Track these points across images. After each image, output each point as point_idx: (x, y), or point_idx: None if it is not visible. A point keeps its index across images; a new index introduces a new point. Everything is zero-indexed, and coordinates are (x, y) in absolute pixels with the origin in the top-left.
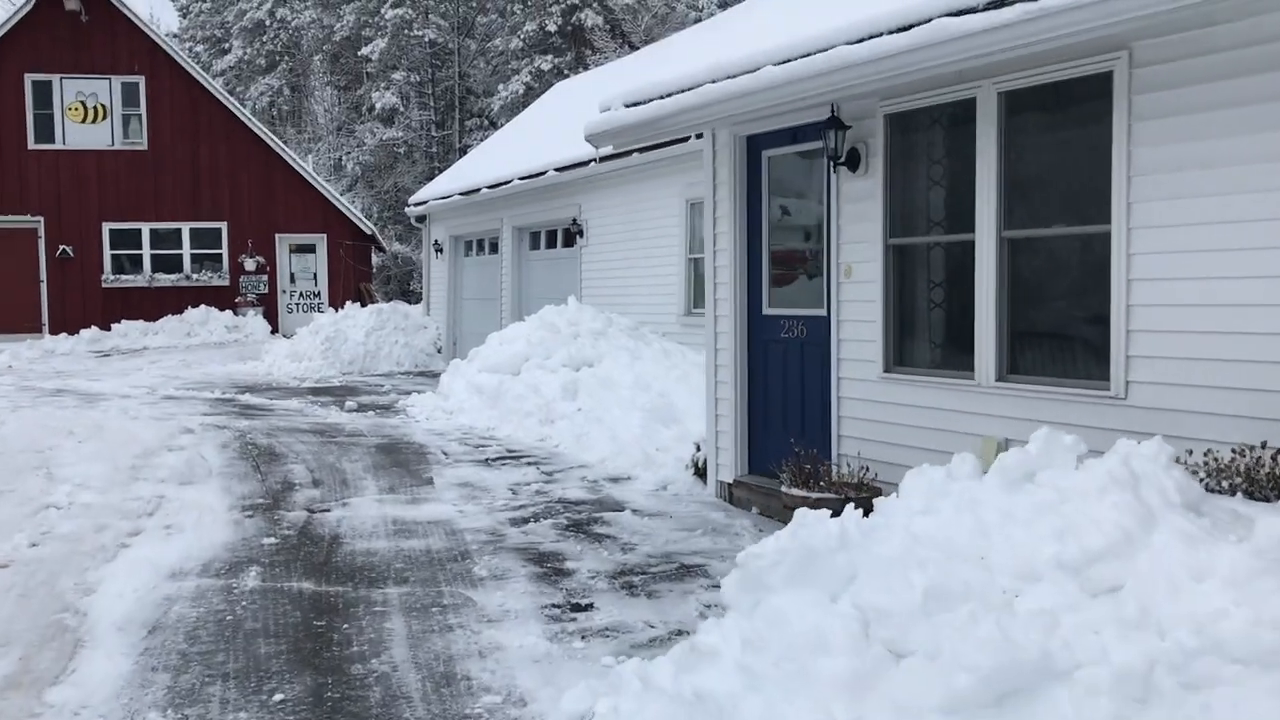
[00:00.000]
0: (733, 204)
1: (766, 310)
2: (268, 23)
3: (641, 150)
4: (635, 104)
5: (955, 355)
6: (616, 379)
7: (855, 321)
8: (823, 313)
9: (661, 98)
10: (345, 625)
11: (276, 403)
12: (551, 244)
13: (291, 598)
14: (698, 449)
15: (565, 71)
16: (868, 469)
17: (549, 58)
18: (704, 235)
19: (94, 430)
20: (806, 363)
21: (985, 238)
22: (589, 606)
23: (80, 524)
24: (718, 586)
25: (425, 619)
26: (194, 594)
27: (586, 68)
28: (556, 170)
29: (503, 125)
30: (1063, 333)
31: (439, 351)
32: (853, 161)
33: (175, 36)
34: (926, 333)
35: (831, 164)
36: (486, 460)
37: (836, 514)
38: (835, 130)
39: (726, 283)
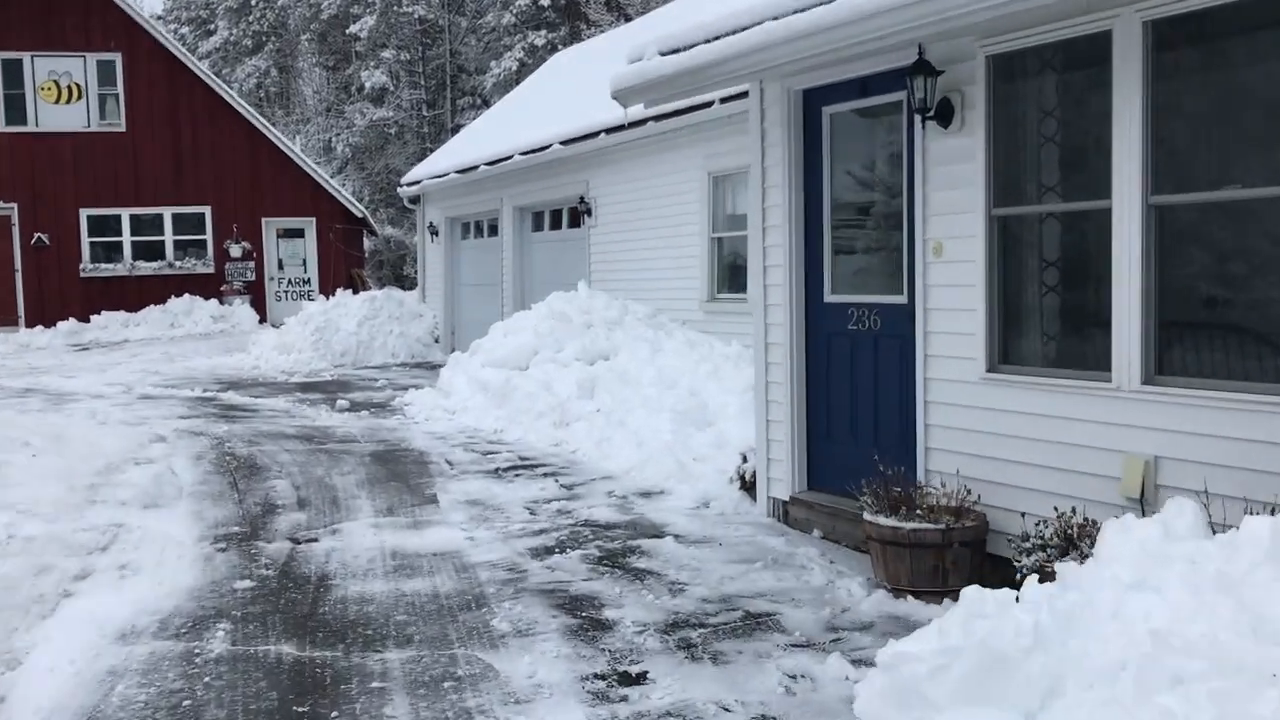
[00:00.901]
0: (786, 171)
1: (829, 297)
2: (253, 2)
3: (657, 118)
4: (674, 51)
5: (1083, 351)
6: (637, 375)
7: (948, 310)
8: (902, 299)
9: (707, 41)
10: (334, 715)
11: (262, 402)
12: (556, 225)
13: (267, 669)
14: (744, 459)
15: (559, 46)
16: (969, 491)
17: (543, 33)
18: (736, 209)
19: (54, 440)
20: (881, 359)
21: (1126, 205)
22: (642, 677)
23: (17, 565)
24: (799, 645)
25: (436, 700)
26: (145, 665)
27: (582, 42)
28: (562, 144)
29: (495, 104)
30: (1239, 323)
31: (436, 341)
32: (944, 115)
33: (160, 19)
34: (1042, 323)
35: (919, 119)
36: (497, 471)
37: (939, 549)
38: (924, 77)
39: (779, 265)
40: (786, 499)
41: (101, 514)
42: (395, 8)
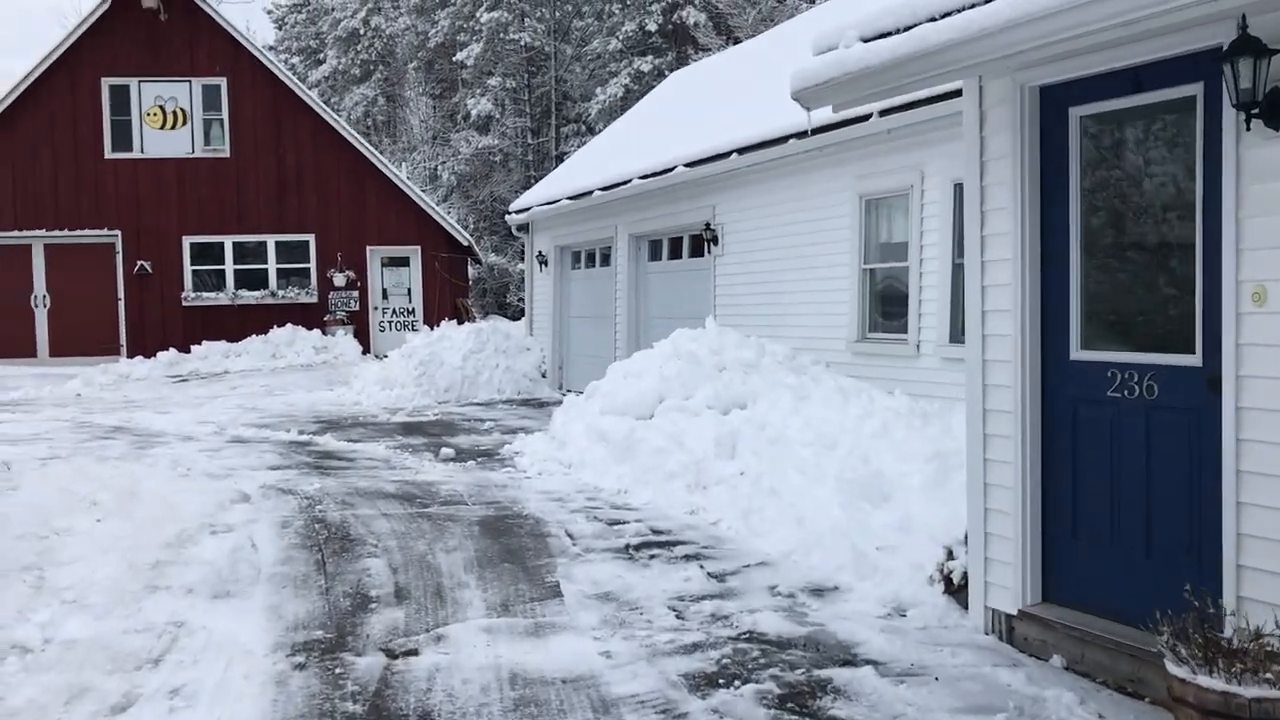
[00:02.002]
0: (1017, 191)
1: (1078, 354)
2: (362, 31)
3: (800, 135)
4: (881, 35)
5: None
6: (782, 428)
7: (1275, 379)
8: (1194, 360)
9: (932, 19)
10: None
11: (360, 448)
12: (676, 254)
13: None
14: (949, 555)
15: (665, 72)
16: None
17: (649, 58)
18: (891, 236)
19: (126, 498)
20: (1158, 439)
21: None
22: None
23: (46, 687)
24: None
25: None
26: None
27: (690, 65)
28: (686, 166)
29: (600, 130)
30: None
31: (543, 376)
32: (1273, 112)
33: (271, 48)
34: None
35: (1237, 118)
36: (627, 549)
37: None
38: (1250, 59)
39: (1005, 311)
40: (1013, 612)
41: (161, 606)
42: (501, 35)
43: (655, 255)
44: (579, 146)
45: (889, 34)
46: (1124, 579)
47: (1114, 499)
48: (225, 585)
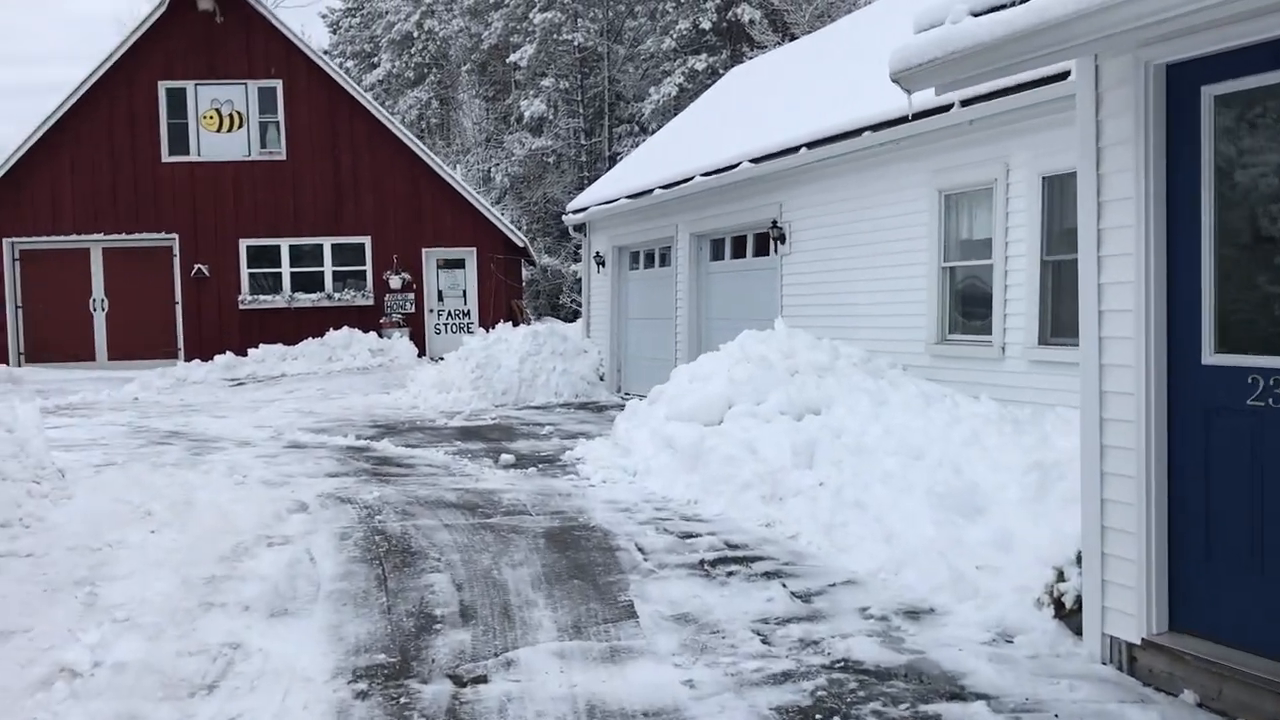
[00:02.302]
0: (1140, 179)
1: (1211, 358)
2: (415, 34)
3: (874, 128)
4: (995, 8)
5: None
6: (860, 434)
7: None
8: None
9: None
10: None
11: (418, 453)
12: (739, 253)
13: None
14: (1059, 576)
15: (720, 71)
16: None
17: (703, 57)
18: (973, 233)
19: (181, 508)
20: None
21: None
22: None
23: (95, 714)
24: None
25: None
26: None
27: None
28: (752, 162)
29: (654, 131)
30: None
31: (601, 379)
32: None
33: (326, 53)
34: None
35: None
36: (702, 564)
37: None
38: None
39: (1125, 311)
40: (1135, 641)
41: (217, 625)
42: (554, 36)
43: (718, 255)
44: (632, 147)
45: (1002, 7)
46: (1269, 607)
47: (1257, 518)
48: (283, 603)
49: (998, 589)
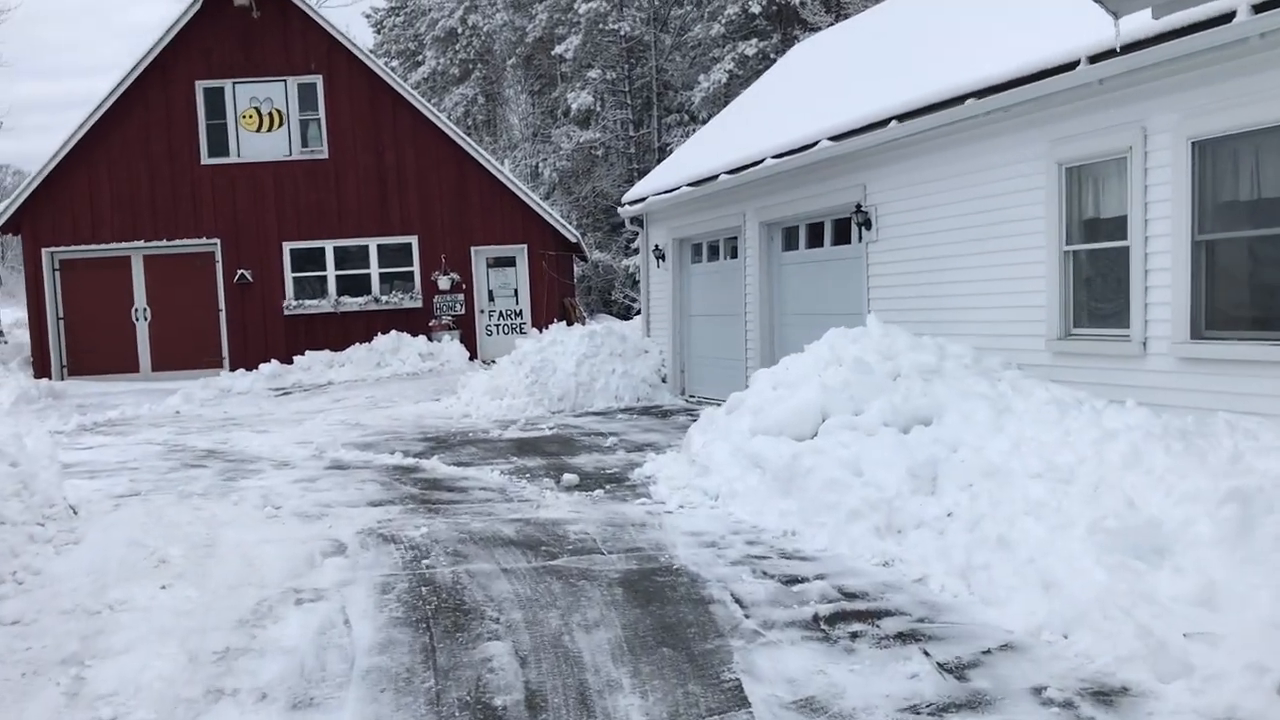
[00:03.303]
0: None
1: None
2: (460, 30)
3: (979, 94)
4: None
5: None
6: (985, 452)
7: None
8: None
9: None
10: None
11: (471, 473)
12: (816, 242)
13: None
14: None
15: (772, 56)
16: None
17: (753, 42)
18: (1101, 211)
19: (199, 553)
20: None
21: None
22: None
23: None
24: None
25: None
26: None
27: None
28: (831, 140)
29: (705, 120)
30: None
31: (663, 381)
32: None
33: (372, 52)
34: None
35: None
36: (817, 620)
37: None
38: None
39: None
40: None
41: None
42: (600, 26)
43: (791, 244)
44: (683, 137)
45: None
46: None
47: None
48: (309, 688)
49: (1220, 665)
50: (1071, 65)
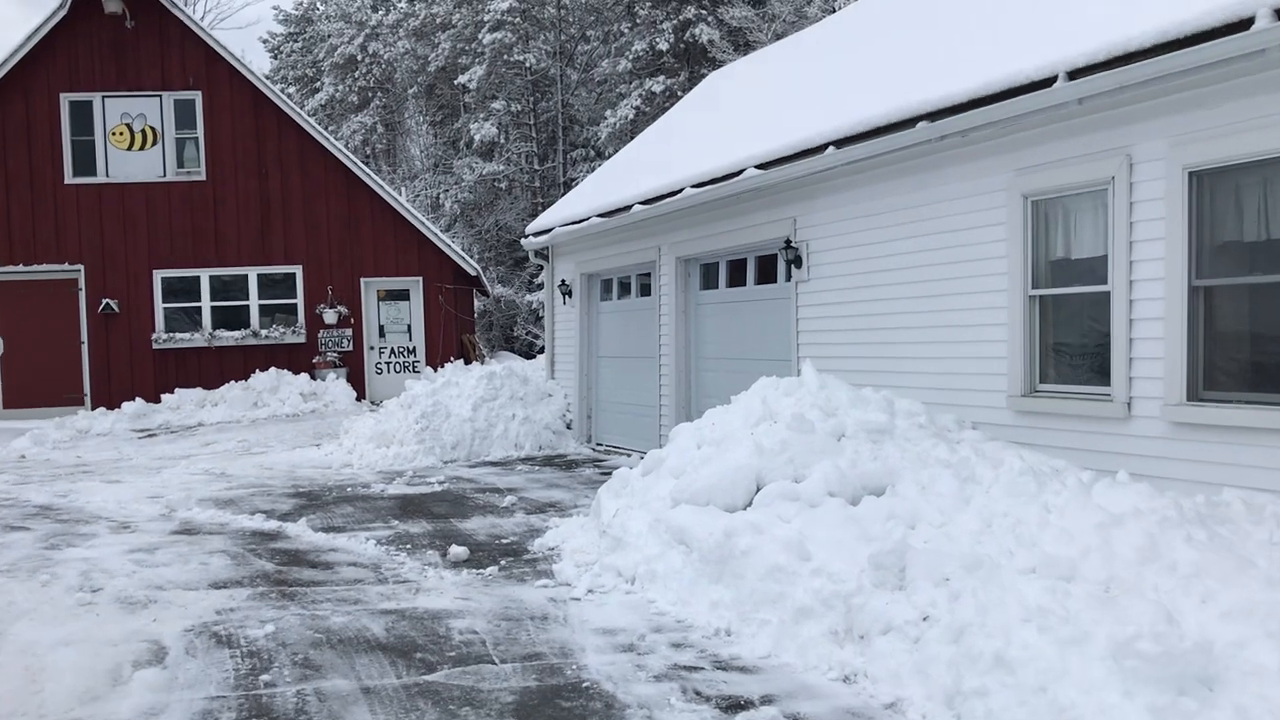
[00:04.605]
0: None
1: None
2: (360, 57)
3: (932, 116)
4: None
5: None
6: (961, 537)
7: None
8: None
9: None
10: None
11: (342, 542)
12: (739, 280)
13: None
14: None
15: (679, 93)
16: None
17: (660, 79)
18: (1073, 250)
19: None
20: None
21: None
22: None
23: None
24: None
25: None
26: None
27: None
28: (758, 168)
29: (610, 155)
30: None
31: (568, 428)
32: None
33: (268, 78)
34: None
35: None
36: None
37: None
38: None
39: None
40: None
41: None
42: (505, 57)
43: (710, 283)
44: (588, 172)
45: None
46: None
47: None
48: None
49: None
50: (1046, 82)
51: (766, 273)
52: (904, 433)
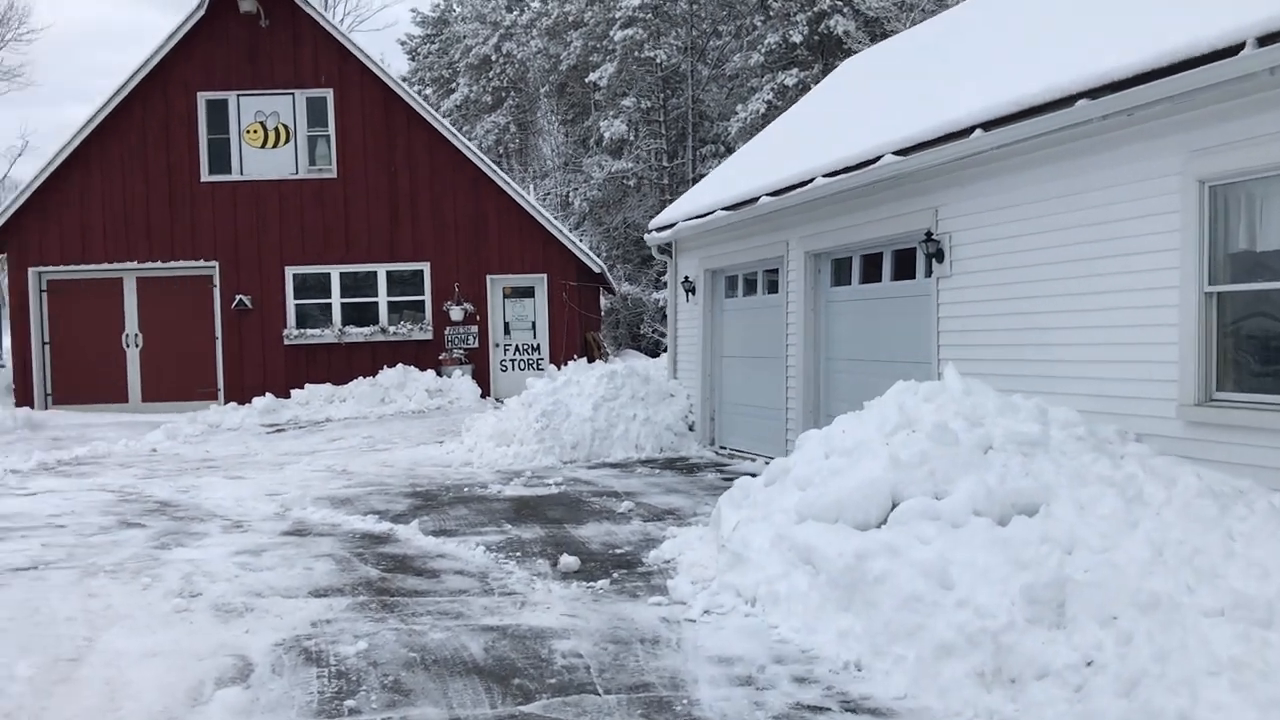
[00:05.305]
0: None
1: None
2: (493, 57)
3: (1093, 93)
4: None
5: None
6: (1127, 566)
7: None
8: None
9: None
10: None
11: (451, 548)
12: (873, 276)
13: None
14: None
15: (811, 85)
16: None
17: (793, 72)
18: (1260, 242)
19: (56, 673)
20: None
21: None
22: None
23: None
24: None
25: None
26: None
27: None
28: (896, 154)
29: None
30: None
31: (690, 429)
32: None
33: (405, 79)
34: None
35: None
36: None
37: None
38: None
39: None
40: None
41: None
42: (635, 54)
43: (842, 278)
44: (718, 167)
45: None
46: None
47: None
48: None
49: None
50: (1231, 50)
51: (904, 268)
52: (1059, 445)
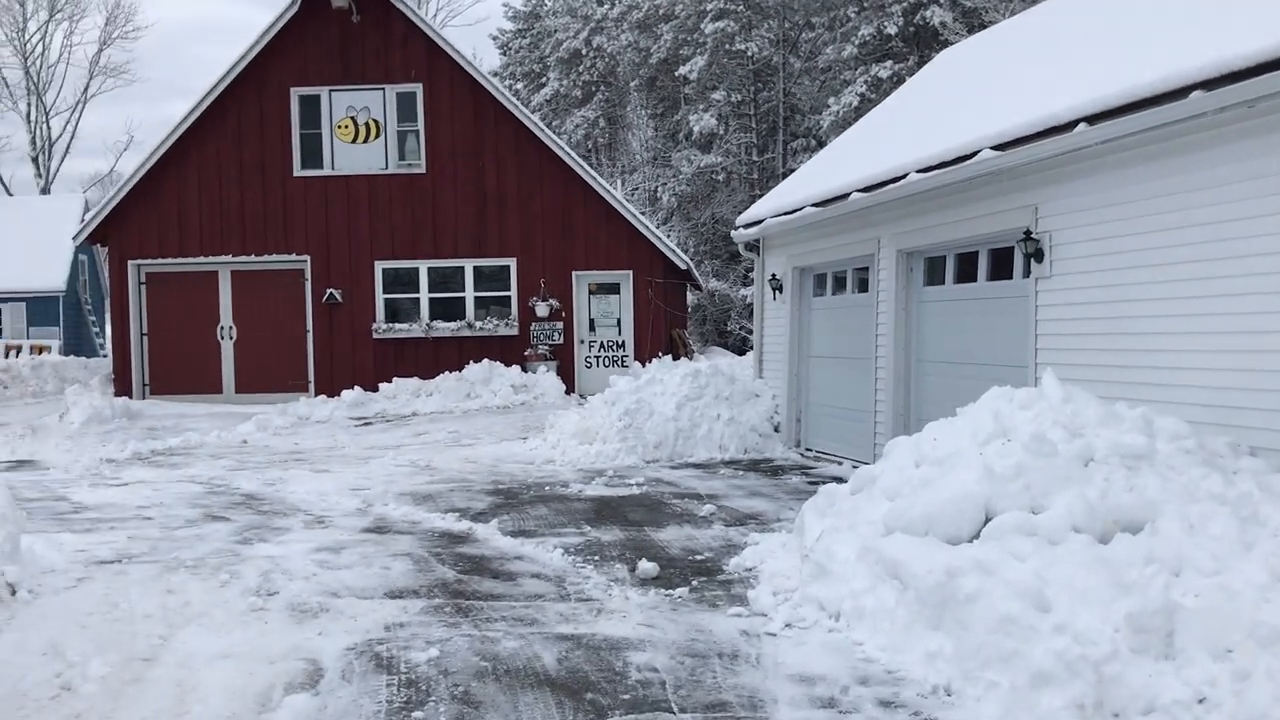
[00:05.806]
0: None
1: None
2: (584, 51)
3: (1209, 84)
4: None
5: None
6: (1227, 581)
7: None
8: None
9: None
10: None
11: (529, 550)
12: (968, 276)
13: None
14: None
15: (906, 78)
16: None
17: (888, 64)
18: None
19: (129, 673)
20: None
21: None
22: None
23: None
24: None
25: None
26: None
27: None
28: (994, 149)
29: (851, 128)
30: None
31: (776, 430)
32: None
33: (496, 74)
34: None
35: None
36: None
37: None
38: None
39: None
40: None
41: None
42: (726, 46)
43: (935, 278)
44: (808, 162)
45: None
46: None
47: None
48: None
49: None
50: None
51: (1001, 267)
52: (1165, 458)
